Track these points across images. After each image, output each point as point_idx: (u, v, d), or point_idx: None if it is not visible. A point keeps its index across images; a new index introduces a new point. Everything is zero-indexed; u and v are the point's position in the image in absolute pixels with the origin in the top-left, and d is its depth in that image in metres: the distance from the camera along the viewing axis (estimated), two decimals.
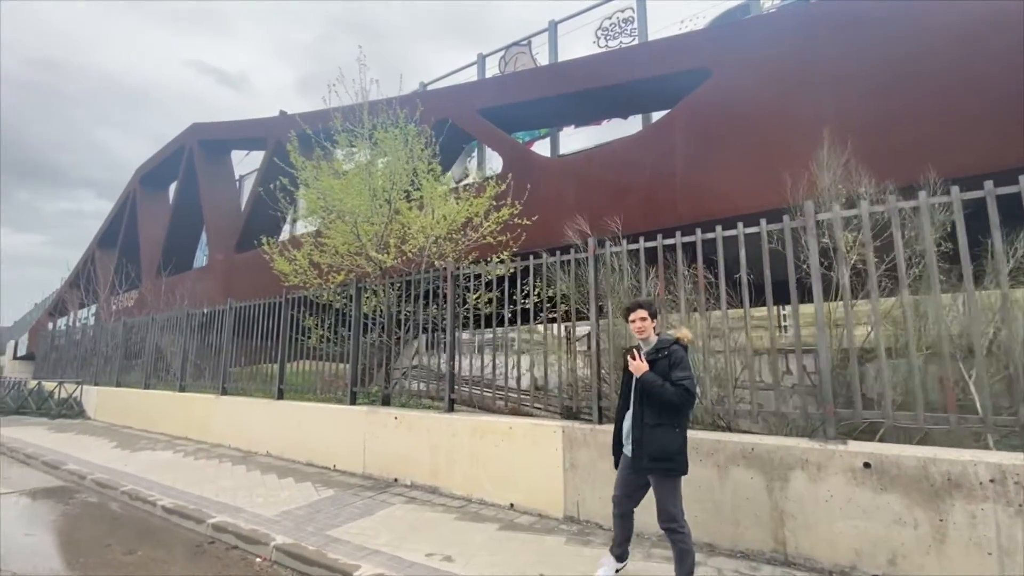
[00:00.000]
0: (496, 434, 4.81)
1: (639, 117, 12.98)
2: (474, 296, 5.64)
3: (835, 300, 4.01)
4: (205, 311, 8.98)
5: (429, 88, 16.81)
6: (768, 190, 7.08)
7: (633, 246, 4.50)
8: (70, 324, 17.91)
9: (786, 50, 7.44)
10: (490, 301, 5.65)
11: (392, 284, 6.44)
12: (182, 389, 9.29)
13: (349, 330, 7.02)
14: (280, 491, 5.41)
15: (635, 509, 3.15)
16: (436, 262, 6.51)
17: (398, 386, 6.56)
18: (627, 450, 3.02)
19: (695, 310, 4.34)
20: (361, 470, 5.92)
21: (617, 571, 3.15)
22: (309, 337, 7.60)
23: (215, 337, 8.74)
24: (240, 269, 16.65)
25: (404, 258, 6.69)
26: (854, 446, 3.24)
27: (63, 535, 4.54)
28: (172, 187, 23.35)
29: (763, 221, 3.93)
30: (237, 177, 23.07)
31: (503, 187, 7.40)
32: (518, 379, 5.41)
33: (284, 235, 22.95)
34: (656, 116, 13.14)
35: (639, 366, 2.91)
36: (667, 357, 2.90)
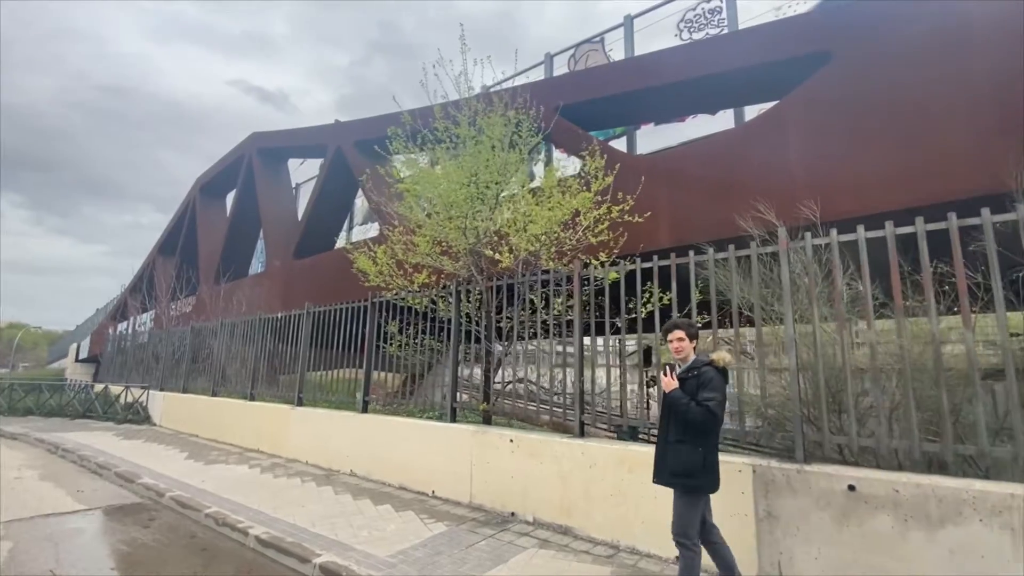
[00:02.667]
0: (651, 469, 3.94)
1: (727, 113, 12.06)
2: (592, 299, 4.82)
3: None
4: (280, 315, 8.49)
5: (493, 89, 16.34)
6: (922, 182, 6.07)
7: (836, 238, 3.59)
8: (135, 328, 18.08)
9: (932, 25, 6.39)
10: (635, 304, 4.80)
11: (495, 287, 5.70)
12: (252, 398, 8.80)
13: (434, 337, 6.33)
14: (382, 523, 4.68)
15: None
16: (549, 263, 5.73)
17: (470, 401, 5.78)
18: None
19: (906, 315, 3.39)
20: (468, 499, 5.14)
21: None
22: (389, 344, 6.96)
23: (289, 344, 8.23)
24: (298, 275, 16.43)
25: (494, 258, 5.94)
26: None
27: (152, 571, 3.92)
28: (230, 196, 23.74)
29: (952, 215, 3.09)
30: (294, 185, 23.23)
31: (609, 181, 6.58)
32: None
33: (350, 236, 22.97)
34: (748, 110, 12.18)
35: (668, 382, 2.99)
36: (697, 377, 2.95)
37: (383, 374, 7.40)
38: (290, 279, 16.71)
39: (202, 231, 22.82)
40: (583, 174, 6.05)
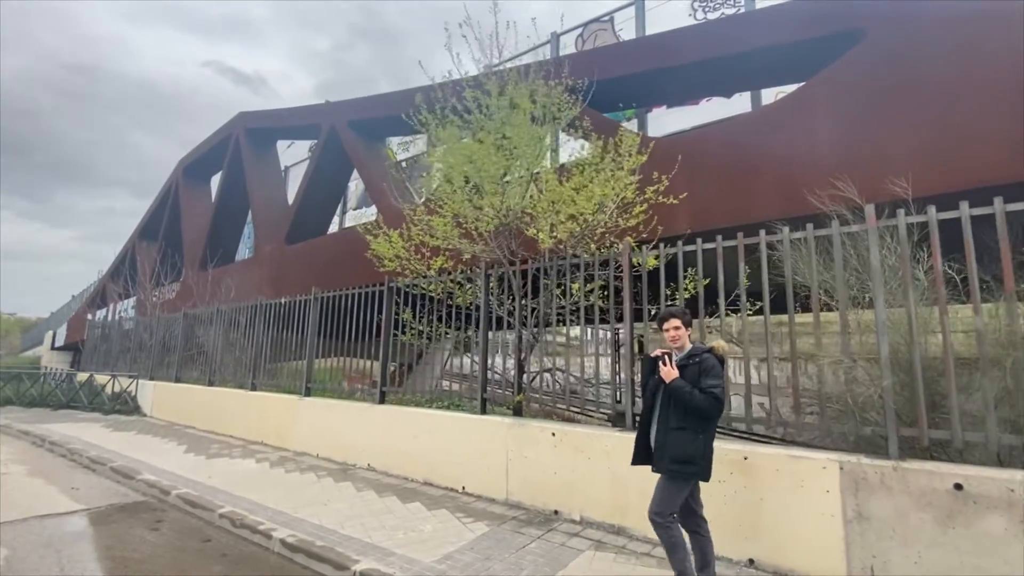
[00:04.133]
0: (719, 465, 3.64)
1: (742, 97, 11.76)
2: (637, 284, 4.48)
3: None
4: (284, 301, 8.01)
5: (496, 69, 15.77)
6: (965, 165, 5.85)
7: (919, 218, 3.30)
8: (120, 315, 17.31)
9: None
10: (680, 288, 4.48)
11: (530, 271, 5.32)
12: (254, 388, 8.34)
13: (454, 324, 5.96)
14: (417, 522, 4.34)
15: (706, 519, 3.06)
16: (590, 245, 5.35)
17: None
18: None
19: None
20: (503, 496, 4.82)
21: None
22: (404, 333, 6.57)
23: (294, 331, 7.77)
24: (290, 261, 15.82)
25: (531, 238, 5.55)
26: None
27: None
28: (214, 179, 22.85)
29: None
30: (283, 167, 22.43)
31: (642, 159, 6.22)
32: (748, 395, 4.22)
33: (343, 221, 22.25)
34: (766, 92, 11.90)
35: (669, 372, 2.96)
36: (698, 364, 2.95)
37: (367, 362, 7.06)
38: (282, 265, 16.10)
39: (186, 215, 21.94)
40: (614, 152, 5.66)
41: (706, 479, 2.94)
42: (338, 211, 20.72)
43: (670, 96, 11.81)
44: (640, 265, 4.57)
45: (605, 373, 5.11)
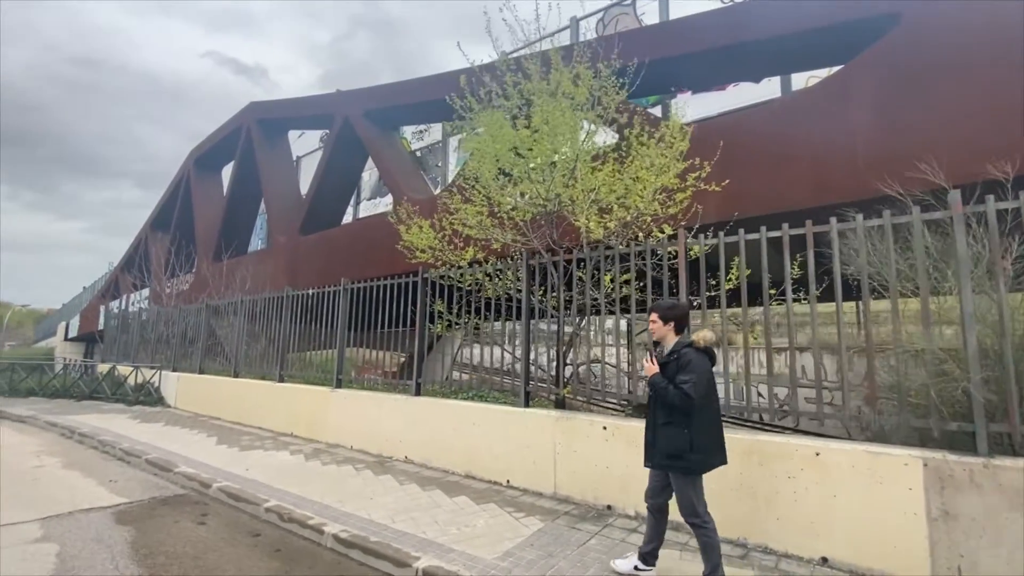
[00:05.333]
0: (789, 462, 3.55)
1: (772, 82, 11.48)
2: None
3: None
4: (312, 292, 7.92)
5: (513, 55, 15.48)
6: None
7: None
8: (139, 306, 17.33)
9: None
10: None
11: (568, 260, 5.19)
12: (281, 379, 8.29)
13: (482, 315, 5.86)
14: (467, 517, 4.26)
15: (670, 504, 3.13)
16: (637, 233, 5.20)
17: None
18: None
19: None
20: (551, 491, 4.74)
21: (638, 569, 3.17)
22: (435, 325, 6.48)
23: (322, 322, 7.69)
24: (305, 251, 15.72)
25: (563, 227, 5.41)
26: None
27: None
28: (225, 169, 22.74)
29: None
30: (294, 158, 22.28)
31: (685, 146, 6.01)
32: (794, 384, 4.08)
33: (357, 212, 22.05)
34: (797, 77, 11.62)
35: (649, 368, 3.07)
36: (677, 360, 3.00)
37: (377, 353, 7.03)
38: (296, 256, 16.03)
39: (198, 206, 21.87)
40: (661, 136, 5.48)
41: (700, 472, 3.00)
42: (352, 201, 20.63)
43: (696, 81, 11.55)
44: (687, 255, 4.43)
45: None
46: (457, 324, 6.34)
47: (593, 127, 5.51)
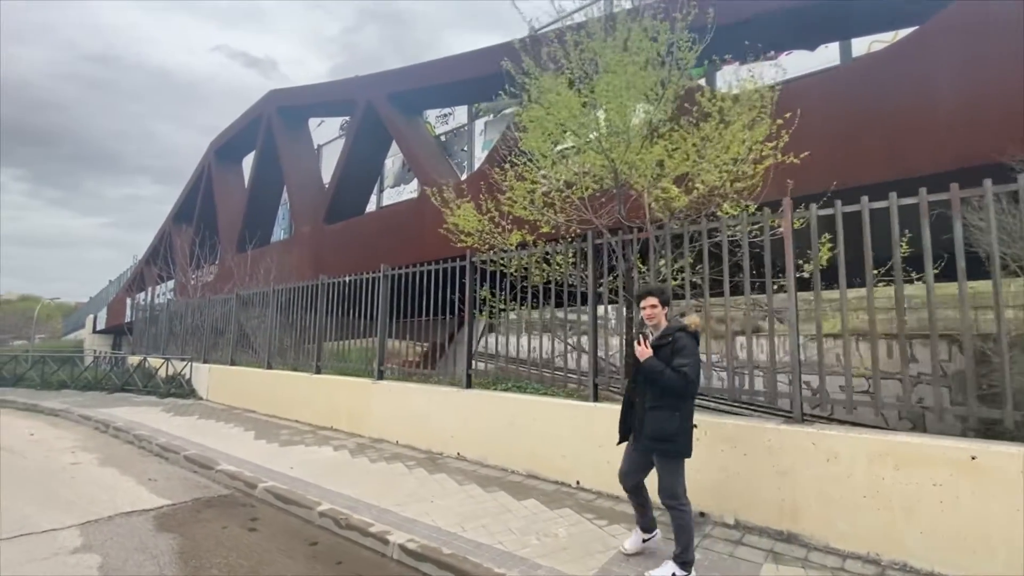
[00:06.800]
0: (934, 467, 3.02)
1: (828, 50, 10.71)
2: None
3: None
4: (349, 279, 7.52)
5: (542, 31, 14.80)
6: None
7: None
8: (167, 297, 17.25)
9: None
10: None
11: (650, 237, 4.67)
12: (318, 371, 7.94)
13: (529, 303, 5.39)
14: (543, 523, 3.82)
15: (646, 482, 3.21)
16: (722, 205, 4.65)
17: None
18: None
19: None
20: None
21: (645, 541, 3.31)
22: (481, 312, 6.03)
23: (360, 312, 7.30)
24: (330, 241, 15.39)
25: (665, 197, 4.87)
26: None
27: None
28: (245, 160, 22.52)
29: None
30: (315, 146, 21.93)
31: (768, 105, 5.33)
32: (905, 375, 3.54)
33: (381, 199, 21.64)
34: (857, 44, 10.83)
35: (643, 351, 3.00)
36: (671, 344, 2.99)
37: (399, 343, 6.68)
38: (321, 245, 15.73)
39: (220, 197, 21.70)
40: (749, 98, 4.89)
41: (687, 455, 3.03)
42: (374, 189, 20.23)
43: (747, 50, 10.84)
44: (792, 228, 3.89)
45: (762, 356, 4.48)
46: (503, 310, 5.90)
47: (671, 90, 4.93)
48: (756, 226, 4.03)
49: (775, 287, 3.99)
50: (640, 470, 3.19)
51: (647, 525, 3.33)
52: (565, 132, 4.99)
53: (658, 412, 2.97)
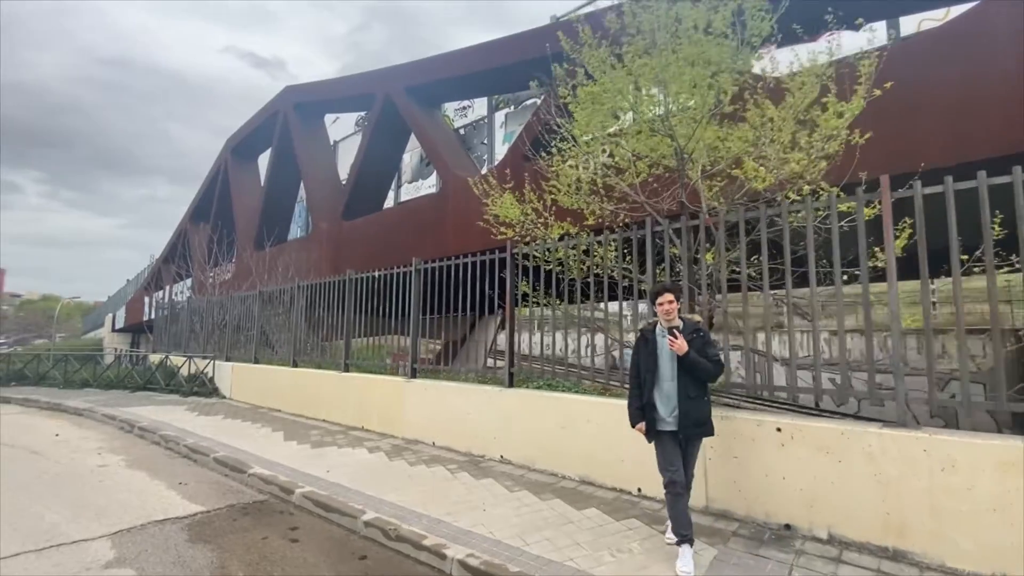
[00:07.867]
0: (997, 472, 2.63)
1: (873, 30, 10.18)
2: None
3: None
4: (378, 274, 7.23)
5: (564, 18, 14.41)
6: None
7: None
8: (187, 295, 17.15)
9: None
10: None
11: (720, 223, 4.29)
12: (346, 369, 7.67)
13: (577, 297, 5.03)
14: (612, 537, 3.48)
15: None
16: (790, 190, 4.27)
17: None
18: (667, 425, 3.19)
19: None
20: (701, 503, 3.91)
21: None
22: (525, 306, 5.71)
23: (389, 308, 7.00)
24: (349, 237, 15.14)
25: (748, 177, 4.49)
26: None
27: None
28: (261, 157, 22.40)
29: None
30: (331, 142, 21.74)
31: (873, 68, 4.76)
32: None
33: (399, 195, 21.37)
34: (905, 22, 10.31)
35: (681, 346, 3.11)
36: (701, 337, 3.24)
37: (406, 340, 6.44)
38: (340, 241, 15.49)
39: (236, 195, 21.58)
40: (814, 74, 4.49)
41: (713, 435, 3.30)
42: (392, 185, 19.98)
43: (786, 31, 10.36)
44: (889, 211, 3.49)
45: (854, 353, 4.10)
46: (547, 304, 5.56)
47: (743, 63, 4.55)
48: (848, 208, 3.63)
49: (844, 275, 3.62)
50: (685, 463, 3.23)
51: (691, 537, 3.10)
52: (624, 110, 4.61)
53: (700, 400, 3.19)
